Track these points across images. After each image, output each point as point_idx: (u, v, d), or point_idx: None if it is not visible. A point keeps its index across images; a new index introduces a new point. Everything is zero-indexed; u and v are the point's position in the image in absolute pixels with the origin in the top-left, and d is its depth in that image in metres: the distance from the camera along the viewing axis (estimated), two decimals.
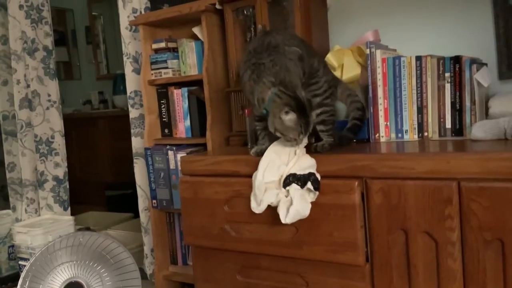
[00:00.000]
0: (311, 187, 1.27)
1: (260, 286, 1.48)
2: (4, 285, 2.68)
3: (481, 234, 1.13)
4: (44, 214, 2.74)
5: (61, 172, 2.74)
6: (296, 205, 1.26)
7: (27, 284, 1.65)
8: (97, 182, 4.21)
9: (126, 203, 3.52)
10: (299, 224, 1.32)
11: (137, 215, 2.53)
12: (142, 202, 2.33)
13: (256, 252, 1.45)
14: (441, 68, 1.48)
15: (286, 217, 1.26)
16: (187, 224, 1.58)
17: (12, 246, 2.72)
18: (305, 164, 1.31)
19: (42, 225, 2.51)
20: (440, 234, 1.18)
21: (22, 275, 1.68)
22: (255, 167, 1.43)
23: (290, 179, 1.29)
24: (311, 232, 1.34)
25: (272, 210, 1.35)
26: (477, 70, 1.46)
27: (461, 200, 1.15)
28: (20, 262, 2.52)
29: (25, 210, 2.79)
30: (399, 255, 1.24)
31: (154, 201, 2.11)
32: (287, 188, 1.29)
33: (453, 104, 1.48)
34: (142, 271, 2.01)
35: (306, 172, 1.29)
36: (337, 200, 1.29)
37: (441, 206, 1.17)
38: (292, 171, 1.30)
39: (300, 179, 1.28)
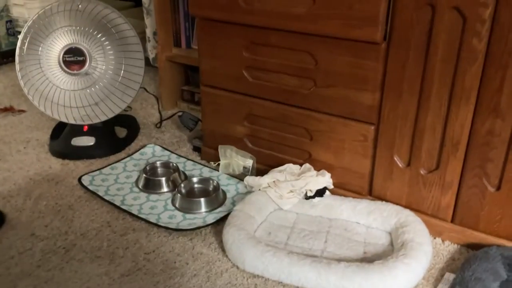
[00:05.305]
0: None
1: (267, 64, 1.43)
2: (5, 59, 2.67)
3: None
4: None
5: None
6: None
7: (25, 46, 1.60)
8: None
9: None
10: None
11: (138, 4, 2.38)
12: None
13: (266, 26, 1.37)
14: None
15: None
16: None
17: (10, 21, 2.63)
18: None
19: None
20: (471, 11, 1.07)
21: (20, 37, 1.61)
22: None
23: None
24: (329, 5, 1.23)
25: None
26: None
27: None
28: (19, 36, 2.45)
29: None
30: (421, 33, 1.16)
31: None
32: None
33: None
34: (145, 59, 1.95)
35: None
36: None
37: None
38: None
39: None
